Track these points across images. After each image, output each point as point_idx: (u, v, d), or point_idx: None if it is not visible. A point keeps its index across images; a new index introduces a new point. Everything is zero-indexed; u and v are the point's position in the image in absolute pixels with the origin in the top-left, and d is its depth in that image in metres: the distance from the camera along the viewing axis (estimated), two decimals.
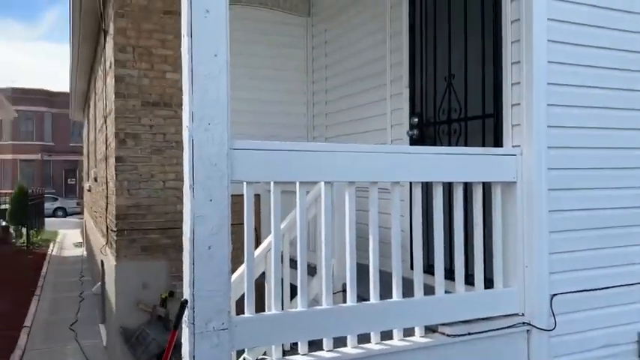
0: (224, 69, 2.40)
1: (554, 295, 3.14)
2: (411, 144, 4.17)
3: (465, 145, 3.69)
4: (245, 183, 2.48)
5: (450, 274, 3.05)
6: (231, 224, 2.39)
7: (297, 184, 2.65)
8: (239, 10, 5.72)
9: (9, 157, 39.82)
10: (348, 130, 5.26)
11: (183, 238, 2.37)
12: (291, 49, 6.03)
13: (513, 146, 3.17)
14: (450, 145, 3.84)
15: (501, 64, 3.29)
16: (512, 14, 3.22)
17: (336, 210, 3.23)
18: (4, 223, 18.19)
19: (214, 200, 2.34)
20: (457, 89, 3.80)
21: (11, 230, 18.13)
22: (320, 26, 5.88)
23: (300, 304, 2.66)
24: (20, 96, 38.03)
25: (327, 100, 5.74)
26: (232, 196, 2.38)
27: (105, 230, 6.86)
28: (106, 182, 6.49)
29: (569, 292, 3.22)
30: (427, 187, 3.27)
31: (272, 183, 2.58)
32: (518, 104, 3.16)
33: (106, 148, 6.56)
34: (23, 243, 17.34)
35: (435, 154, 3.02)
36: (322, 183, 2.73)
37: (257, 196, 4.38)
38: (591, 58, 3.33)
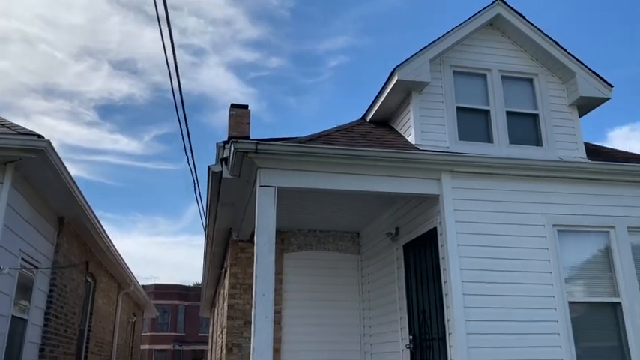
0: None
1: None
2: (410, 353, 6.26)
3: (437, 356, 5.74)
4: None
5: None
6: None
7: None
8: (311, 253, 8.54)
9: (146, 347, 44.36)
10: (380, 339, 7.39)
11: None
12: (347, 277, 8.55)
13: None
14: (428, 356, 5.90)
15: (443, 306, 5.49)
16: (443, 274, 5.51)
17: None
18: None
19: None
20: (427, 318, 5.96)
21: None
22: (364, 262, 8.42)
23: None
24: (161, 291, 43.97)
25: (371, 316, 7.99)
26: None
27: None
28: None
29: None
30: None
31: None
32: (450, 334, 5.27)
33: (221, 352, 9.13)
34: None
35: None
36: None
37: None
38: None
